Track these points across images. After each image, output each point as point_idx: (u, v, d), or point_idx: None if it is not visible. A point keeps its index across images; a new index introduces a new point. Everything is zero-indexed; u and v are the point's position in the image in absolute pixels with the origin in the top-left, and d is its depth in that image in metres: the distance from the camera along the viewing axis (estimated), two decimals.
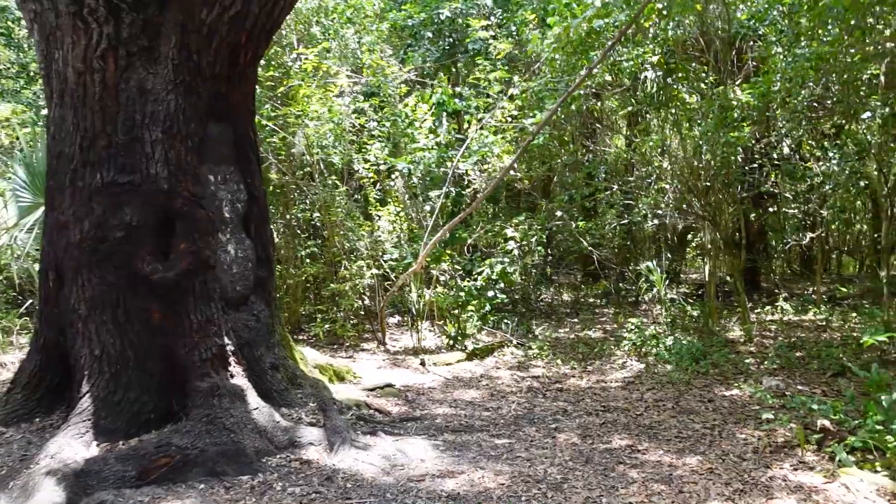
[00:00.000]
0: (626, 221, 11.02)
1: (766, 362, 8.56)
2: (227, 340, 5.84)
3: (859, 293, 16.14)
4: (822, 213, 12.56)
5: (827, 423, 5.40)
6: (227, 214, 6.49)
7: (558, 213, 11.34)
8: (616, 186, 11.30)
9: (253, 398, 5.79)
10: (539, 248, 11.19)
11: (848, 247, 20.70)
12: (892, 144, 8.71)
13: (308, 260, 10.78)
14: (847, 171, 9.16)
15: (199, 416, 5.34)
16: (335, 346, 10.09)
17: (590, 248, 11.69)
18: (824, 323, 12.12)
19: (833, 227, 13.85)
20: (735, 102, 7.88)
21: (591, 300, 15.22)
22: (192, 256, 5.69)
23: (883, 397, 5.15)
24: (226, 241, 6.48)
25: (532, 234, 10.73)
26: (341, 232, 10.55)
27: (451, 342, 9.86)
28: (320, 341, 10.28)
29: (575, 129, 12.70)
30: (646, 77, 10.17)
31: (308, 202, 10.82)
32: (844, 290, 14.97)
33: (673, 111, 10.03)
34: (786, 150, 11.51)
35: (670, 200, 9.63)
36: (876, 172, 9.57)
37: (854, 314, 12.65)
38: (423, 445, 5.86)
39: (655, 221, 11.30)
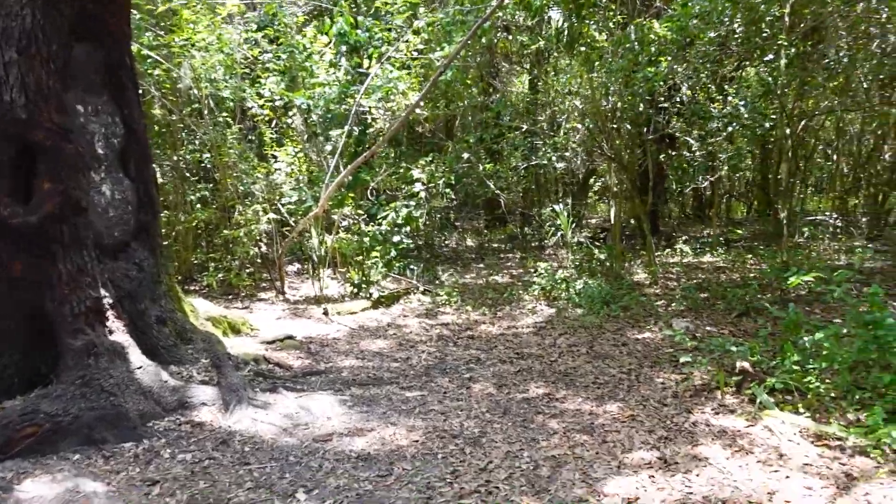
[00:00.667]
0: (535, 163, 10.74)
1: (673, 304, 8.54)
2: (103, 292, 5.15)
3: (750, 235, 16.68)
4: (721, 157, 12.69)
5: (746, 364, 5.30)
6: (100, 150, 5.72)
7: (465, 156, 10.92)
8: (525, 126, 10.96)
9: (136, 356, 5.17)
10: (447, 190, 10.77)
11: (736, 192, 21.37)
12: (794, 85, 8.71)
13: (199, 205, 9.99)
14: (748, 114, 9.14)
15: (73, 379, 4.69)
16: (230, 297, 9.42)
17: (496, 191, 11.37)
18: (723, 264, 12.37)
19: (724, 171, 14.04)
20: (653, 37, 7.62)
21: (496, 245, 15.04)
22: (59, 197, 4.93)
23: (805, 339, 5.07)
24: (100, 180, 5.72)
25: (439, 175, 10.30)
26: (234, 174, 9.79)
27: (356, 290, 9.39)
28: (214, 292, 9.58)
29: (481, 68, 12.24)
30: (550, 17, 9.83)
31: (197, 142, 9.98)
32: (739, 232, 15.38)
33: (582, 49, 9.70)
34: (686, 93, 11.47)
35: (578, 142, 9.38)
36: (777, 115, 9.62)
37: (749, 256, 12.97)
38: (328, 401, 5.42)
39: (563, 164, 11.08)
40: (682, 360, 5.84)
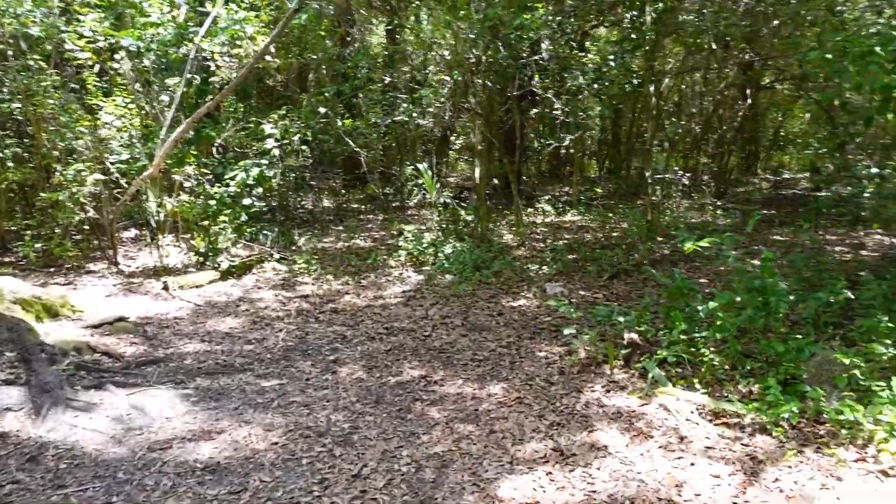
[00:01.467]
0: (399, 118, 10.05)
1: (545, 267, 8.22)
2: None
3: (606, 194, 16.89)
4: (581, 116, 12.54)
5: (635, 336, 4.97)
6: None
7: (321, 111, 10.04)
8: (388, 79, 10.22)
9: None
10: (303, 147, 9.86)
11: (589, 150, 21.68)
12: (666, 41, 8.51)
13: (11, 164, 8.56)
14: (616, 69, 8.89)
15: None
16: (52, 271, 8.16)
17: (356, 149, 10.61)
18: (586, 223, 12.31)
19: (591, 130, 14.03)
20: None
21: (356, 206, 14.28)
22: None
23: (700, 308, 4.78)
24: None
25: (294, 131, 9.38)
26: (53, 128, 8.43)
27: (201, 259, 8.40)
28: (32, 264, 8.27)
29: (337, 15, 11.32)
30: None
31: (6, 90, 8.50)
32: (599, 190, 15.48)
33: None
34: (549, 48, 11.13)
35: (446, 96, 8.79)
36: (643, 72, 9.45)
37: (610, 215, 13.02)
38: (168, 397, 4.60)
39: (429, 121, 10.47)
40: (565, 331, 5.45)
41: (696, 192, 16.01)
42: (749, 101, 13.80)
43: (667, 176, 19.50)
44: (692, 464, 3.63)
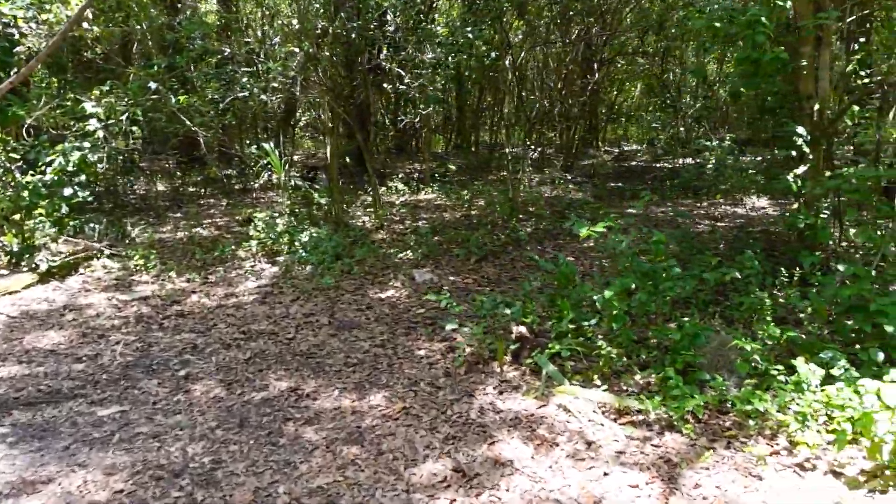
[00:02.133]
0: (241, 94, 9.13)
1: (409, 252, 7.78)
2: None
3: (456, 170, 16.70)
4: (432, 90, 12.16)
5: (523, 329, 4.64)
6: None
7: (152, 86, 8.94)
8: (227, 51, 9.28)
9: None
10: (133, 127, 8.75)
11: (435, 124, 21.42)
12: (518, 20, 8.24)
13: None
14: (475, 42, 8.54)
15: None
16: None
17: (193, 128, 9.60)
18: (442, 202, 11.99)
19: (435, 107, 13.64)
20: None
21: (194, 189, 13.14)
22: None
23: (595, 297, 4.50)
24: None
25: (122, 110, 8.28)
26: None
27: (14, 259, 7.23)
28: None
29: None
30: None
31: None
32: (453, 167, 15.20)
33: None
34: (397, 20, 10.61)
35: (296, 69, 8.03)
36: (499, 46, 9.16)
37: (465, 191, 12.78)
38: None
39: (276, 97, 9.63)
40: (447, 326, 5.04)
41: (546, 166, 16.16)
42: (596, 75, 13.97)
43: (517, 150, 19.69)
44: (606, 473, 3.33)
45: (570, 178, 14.02)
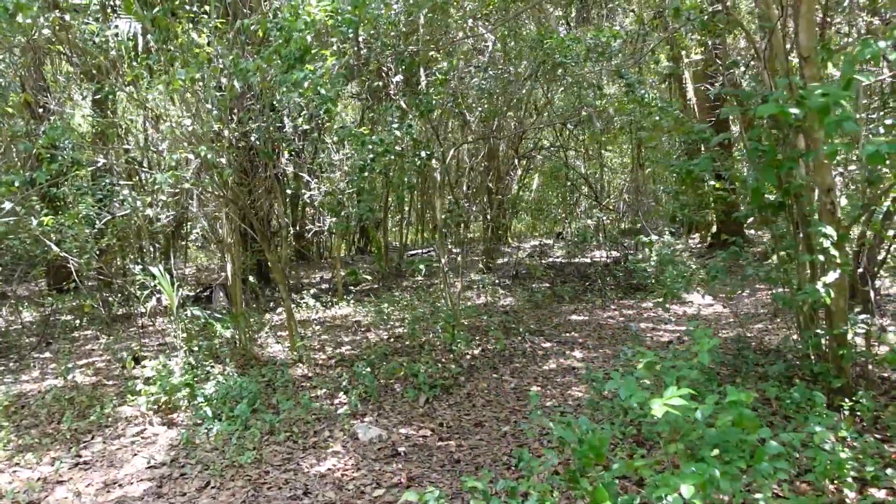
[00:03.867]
0: (123, 213, 7.60)
1: (342, 395, 6.33)
2: None
3: (374, 279, 15.39)
4: (346, 191, 10.97)
5: None
6: None
7: (6, 205, 7.28)
8: (101, 160, 7.72)
9: None
10: None
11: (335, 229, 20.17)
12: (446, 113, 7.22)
13: None
14: (410, 140, 7.46)
15: None
16: None
17: (61, 253, 7.93)
18: (364, 319, 10.61)
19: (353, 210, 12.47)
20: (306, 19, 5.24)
21: (68, 317, 11.22)
22: None
23: (669, 497, 3.19)
24: None
25: None
26: None
27: None
28: None
29: (24, 81, 8.62)
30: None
31: None
32: (368, 277, 13.88)
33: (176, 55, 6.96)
34: (300, 122, 9.46)
35: (186, 180, 6.60)
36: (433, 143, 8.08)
37: (386, 305, 11.46)
38: None
39: (167, 212, 8.12)
40: None
41: (464, 268, 15.13)
42: (519, 171, 13.23)
43: (423, 252, 18.61)
44: None
45: (494, 280, 12.98)
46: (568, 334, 8.39)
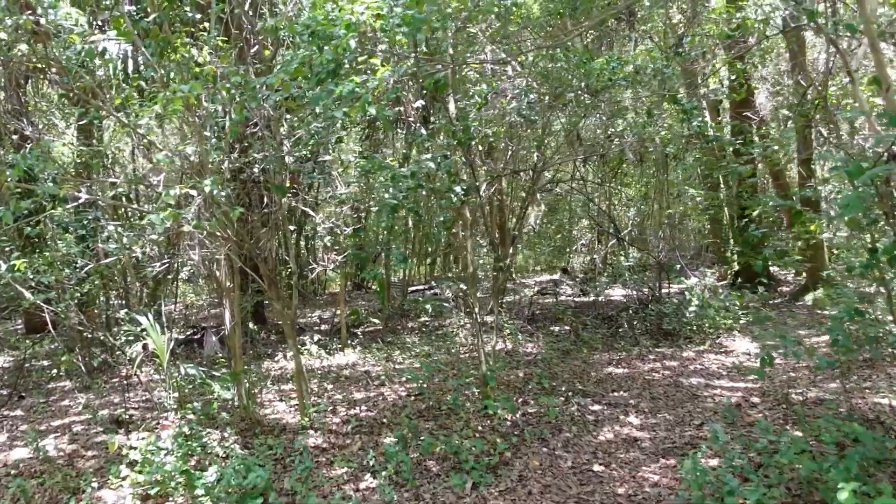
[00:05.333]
0: (111, 257, 6.56)
1: (368, 478, 5.28)
2: None
3: (368, 316, 14.36)
4: (345, 230, 9.99)
5: None
6: None
7: None
8: (84, 195, 6.66)
9: None
10: None
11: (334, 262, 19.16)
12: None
13: None
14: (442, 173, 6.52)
15: None
16: None
17: (38, 302, 6.88)
18: (373, 367, 9.57)
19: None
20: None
21: (45, 363, 10.10)
22: None
23: None
24: None
25: None
26: None
27: None
28: None
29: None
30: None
31: None
32: (376, 321, 12.83)
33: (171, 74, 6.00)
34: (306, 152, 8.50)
35: (185, 222, 5.60)
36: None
37: (398, 352, 10.44)
38: None
39: (162, 260, 7.10)
40: None
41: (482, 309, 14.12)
42: (542, 206, 12.32)
43: (424, 288, 17.57)
44: None
45: (509, 321, 11.95)
46: (615, 394, 7.38)
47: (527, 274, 23.33)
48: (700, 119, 6.94)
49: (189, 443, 5.72)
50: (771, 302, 12.10)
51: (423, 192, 5.93)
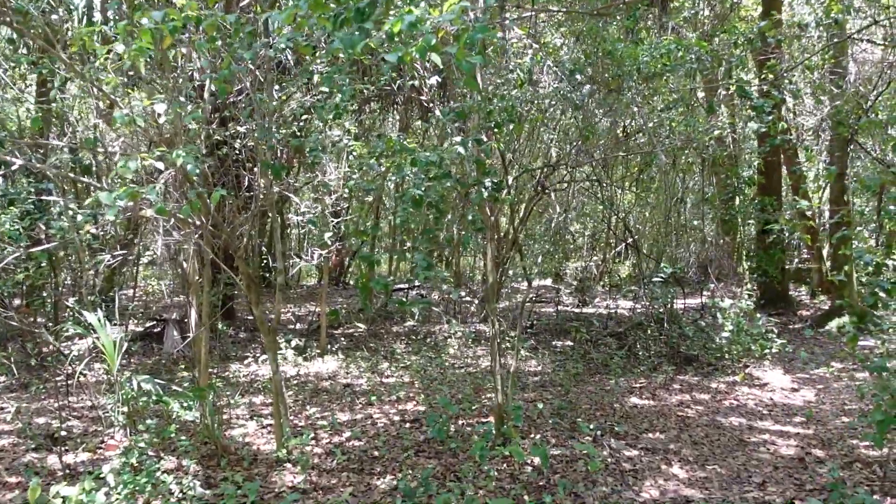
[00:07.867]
0: (59, 226, 5.31)
1: None
2: None
3: (347, 315, 13.15)
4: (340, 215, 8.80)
5: None
6: None
7: None
8: (36, 164, 5.39)
9: None
10: None
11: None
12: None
13: None
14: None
15: None
16: None
17: None
18: (356, 378, 8.40)
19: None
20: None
21: None
22: None
23: None
24: None
25: None
26: None
27: None
28: None
29: None
30: None
31: None
32: (361, 325, 11.60)
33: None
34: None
35: (147, 203, 4.42)
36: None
37: (386, 364, 9.26)
38: None
39: (116, 251, 5.85)
40: None
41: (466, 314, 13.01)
42: (559, 209, 11.20)
43: (419, 290, 16.37)
44: None
45: (512, 334, 10.79)
46: (650, 435, 6.28)
47: (517, 280, 22.20)
48: (773, 117, 5.86)
49: (137, 478, 4.50)
50: (790, 327, 11.12)
51: (448, 185, 4.76)
